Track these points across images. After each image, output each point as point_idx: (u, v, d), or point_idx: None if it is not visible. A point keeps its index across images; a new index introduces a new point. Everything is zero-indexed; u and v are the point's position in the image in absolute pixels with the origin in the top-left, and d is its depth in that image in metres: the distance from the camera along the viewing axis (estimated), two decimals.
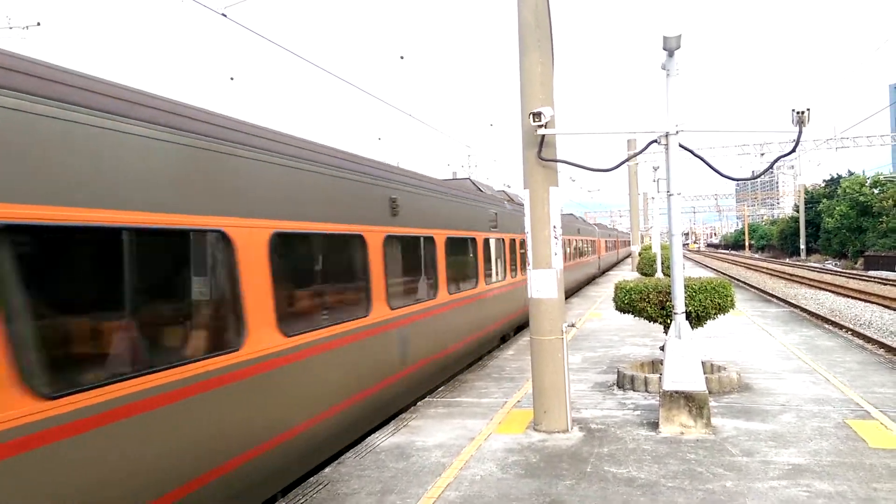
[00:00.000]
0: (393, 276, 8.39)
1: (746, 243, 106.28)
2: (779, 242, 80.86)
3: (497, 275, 13.66)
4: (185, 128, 4.97)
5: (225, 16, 10.87)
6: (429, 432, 7.58)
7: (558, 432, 7.31)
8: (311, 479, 6.19)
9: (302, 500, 5.69)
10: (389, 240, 8.28)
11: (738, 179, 9.05)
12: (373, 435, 7.54)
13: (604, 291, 25.91)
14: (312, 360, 6.33)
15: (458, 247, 11.23)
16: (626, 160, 12.07)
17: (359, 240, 7.53)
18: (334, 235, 7.03)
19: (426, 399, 9.28)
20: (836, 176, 66.28)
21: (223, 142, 5.35)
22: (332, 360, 6.71)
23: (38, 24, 23.85)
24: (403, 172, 9.77)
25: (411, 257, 9.34)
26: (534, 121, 7.08)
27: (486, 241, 12.98)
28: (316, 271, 7.14)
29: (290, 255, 6.24)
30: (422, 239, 9.60)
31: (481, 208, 12.97)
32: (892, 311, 20.82)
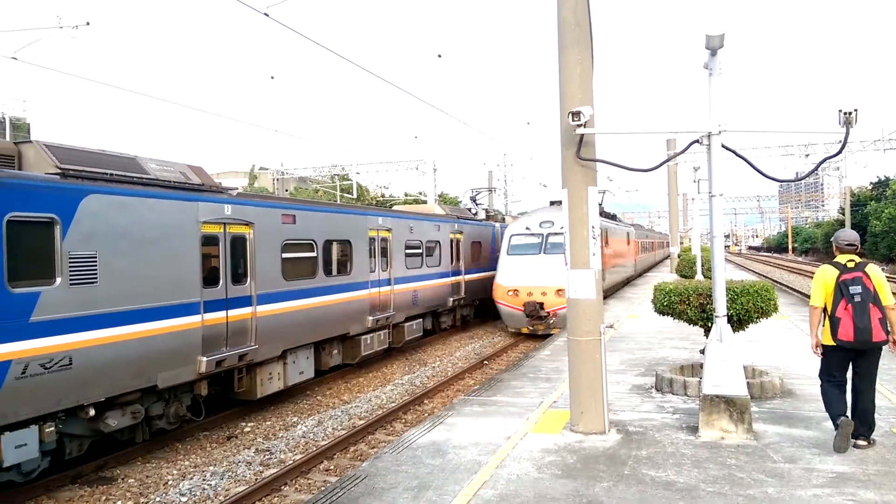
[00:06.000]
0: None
1: (790, 246, 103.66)
2: (823, 246, 78.61)
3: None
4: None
5: (267, 15, 11.05)
6: (464, 430, 7.61)
7: (595, 434, 7.27)
8: (349, 472, 6.28)
9: (340, 493, 5.77)
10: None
11: (781, 181, 8.84)
12: (409, 431, 7.60)
13: (641, 293, 25.58)
14: None
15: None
16: (668, 160, 11.91)
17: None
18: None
19: (462, 397, 9.30)
20: (883, 178, 64.25)
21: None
22: None
23: (88, 23, 24.52)
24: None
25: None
26: (573, 120, 7.03)
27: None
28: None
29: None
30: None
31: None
32: None
